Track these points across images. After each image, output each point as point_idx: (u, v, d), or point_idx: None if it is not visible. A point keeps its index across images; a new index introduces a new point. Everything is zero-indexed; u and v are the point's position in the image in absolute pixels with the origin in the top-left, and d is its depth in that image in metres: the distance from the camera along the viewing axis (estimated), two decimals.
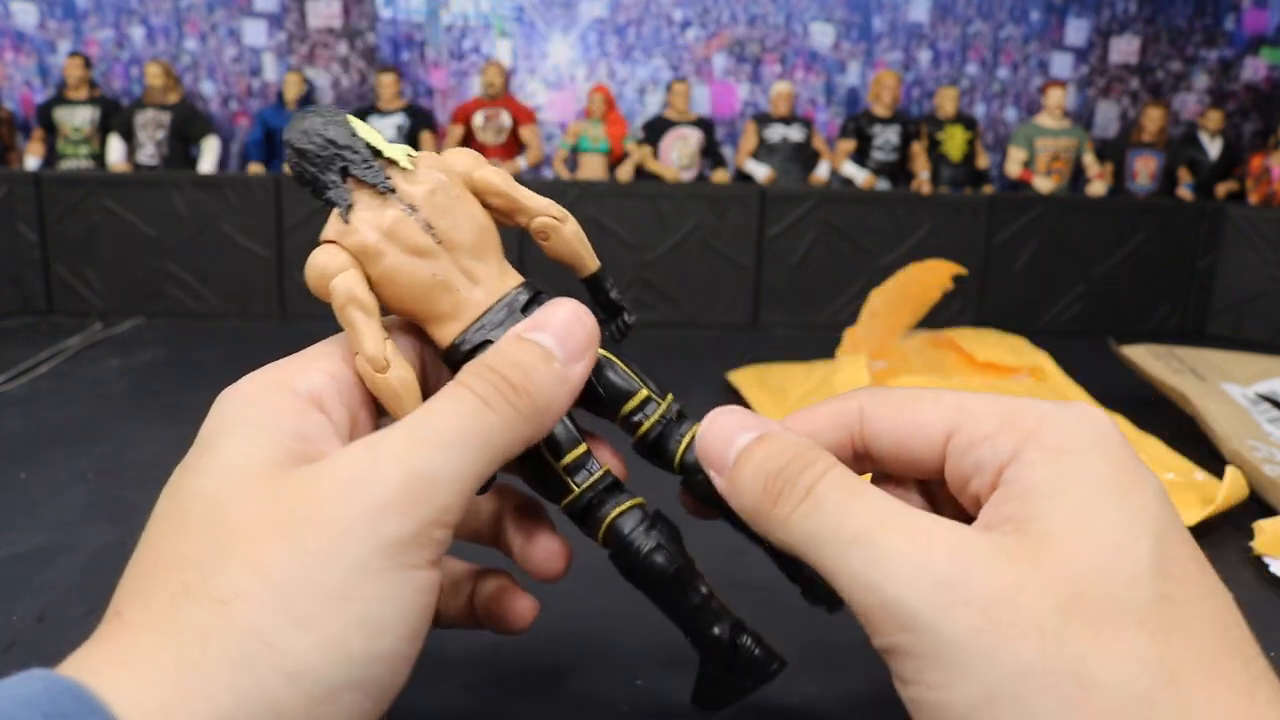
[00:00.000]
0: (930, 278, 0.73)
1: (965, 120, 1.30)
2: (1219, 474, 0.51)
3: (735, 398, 0.70)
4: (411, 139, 1.26)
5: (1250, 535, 0.46)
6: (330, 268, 0.23)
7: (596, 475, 0.24)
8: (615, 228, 1.11)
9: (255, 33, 1.35)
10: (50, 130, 1.25)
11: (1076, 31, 1.40)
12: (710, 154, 1.28)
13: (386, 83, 1.26)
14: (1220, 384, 0.67)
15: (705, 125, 1.29)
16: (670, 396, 0.26)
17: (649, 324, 1.12)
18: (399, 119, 1.27)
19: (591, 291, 0.27)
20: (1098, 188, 1.26)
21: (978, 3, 1.39)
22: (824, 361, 0.73)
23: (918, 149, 1.26)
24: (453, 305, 0.24)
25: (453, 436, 0.21)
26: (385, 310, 0.24)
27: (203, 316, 1.10)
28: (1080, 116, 1.42)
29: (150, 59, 1.29)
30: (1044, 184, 1.25)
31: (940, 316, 0.83)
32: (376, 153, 0.24)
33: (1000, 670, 0.17)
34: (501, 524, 0.27)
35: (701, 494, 0.25)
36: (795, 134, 1.27)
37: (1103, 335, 1.01)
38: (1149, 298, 1.17)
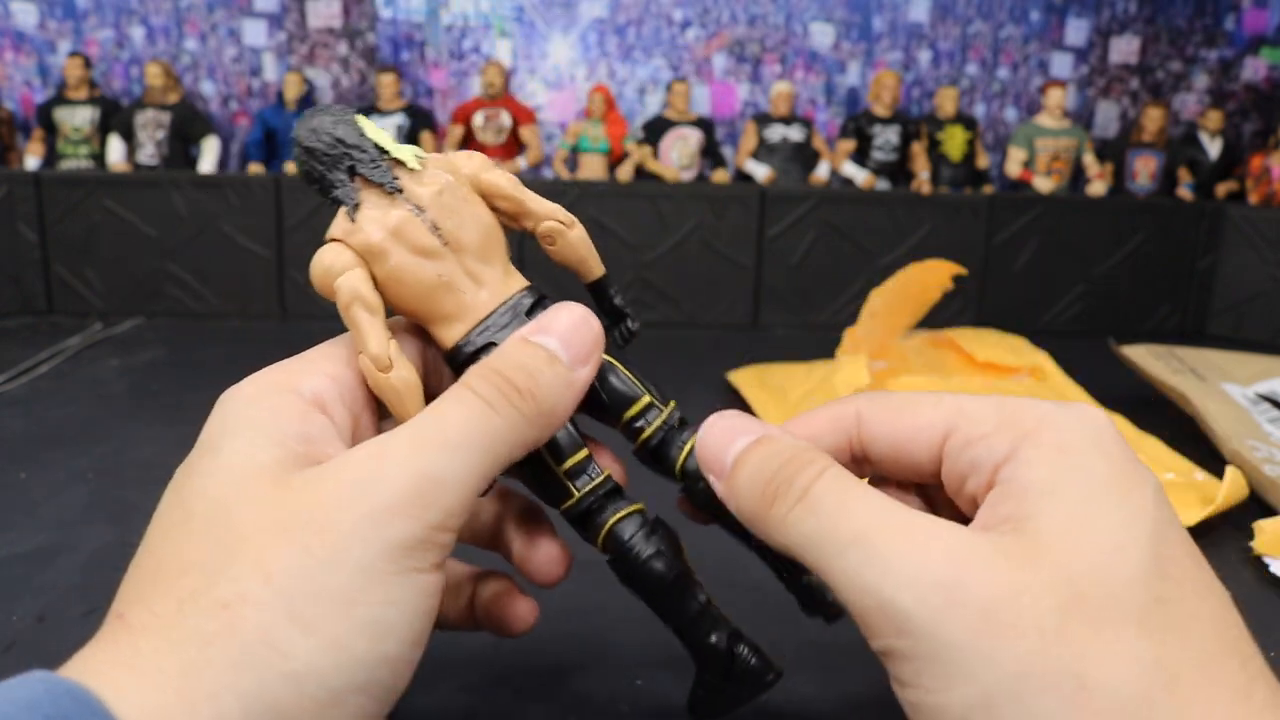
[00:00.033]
0: (930, 278, 0.73)
1: (965, 120, 1.30)
2: (1219, 474, 0.51)
3: (735, 398, 0.70)
4: (411, 139, 1.26)
5: (1250, 535, 0.46)
6: (335, 266, 0.23)
7: (597, 480, 0.24)
8: (615, 228, 1.11)
9: (255, 33, 1.35)
10: (50, 130, 1.25)
11: (1076, 31, 1.40)
12: (710, 154, 1.28)
13: (386, 83, 1.26)
14: (1220, 384, 0.67)
15: (705, 125, 1.29)
16: (673, 404, 0.26)
17: (649, 324, 1.12)
18: (399, 119, 1.27)
19: (595, 297, 0.27)
20: (1098, 188, 1.26)
21: (978, 3, 1.39)
22: (824, 361, 0.73)
23: (918, 149, 1.26)
24: (457, 307, 0.24)
25: (458, 440, 0.20)
26: (390, 311, 0.24)
27: (203, 316, 1.10)
28: (1080, 116, 1.42)
29: (150, 59, 1.29)
30: (1044, 184, 1.25)
31: (940, 316, 0.83)
32: (384, 153, 0.24)
33: (999, 671, 0.17)
34: (502, 528, 0.27)
35: (702, 501, 0.25)
36: (795, 134, 1.27)
37: (1103, 335, 1.01)
38: (1149, 298, 1.17)
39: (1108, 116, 1.43)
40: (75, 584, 0.40)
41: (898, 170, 1.26)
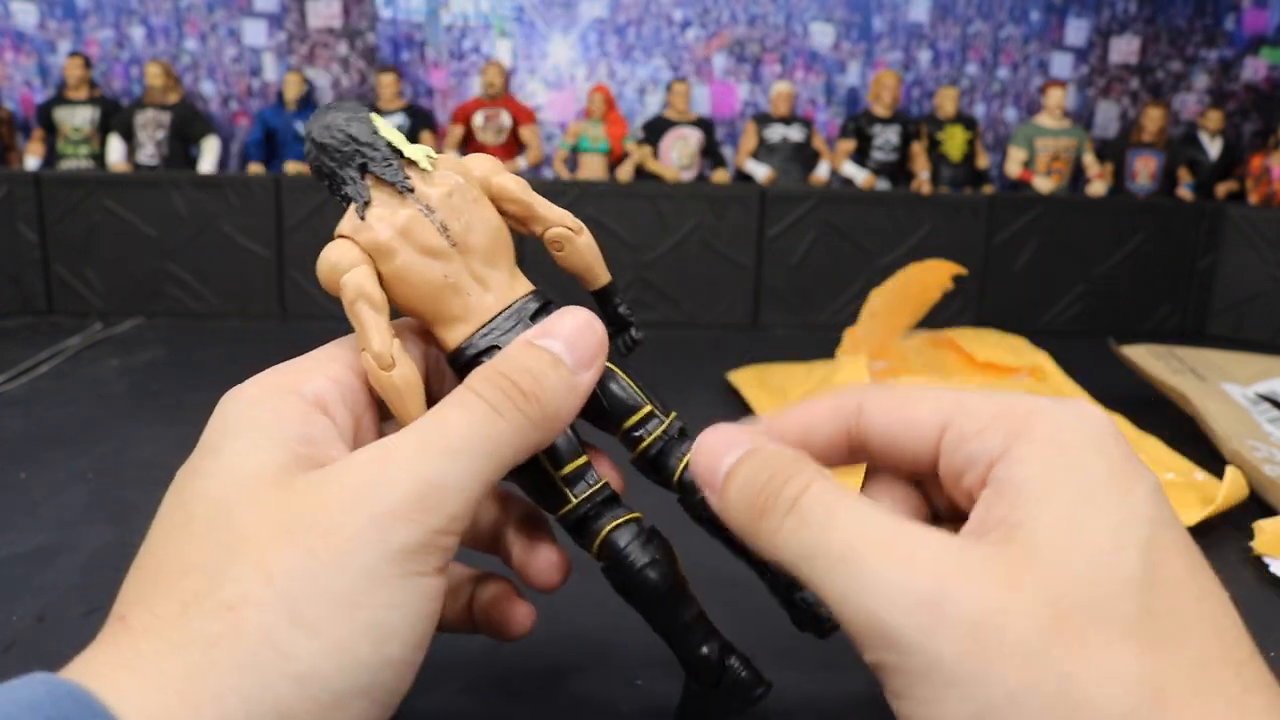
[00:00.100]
0: (930, 278, 0.73)
1: (965, 120, 1.30)
2: (1219, 474, 0.51)
3: (735, 398, 0.70)
4: (411, 139, 1.25)
5: (1250, 535, 0.46)
6: (342, 263, 0.23)
7: (595, 487, 0.24)
8: (615, 228, 1.11)
9: (255, 33, 1.35)
10: (50, 130, 1.25)
11: (1076, 31, 1.40)
12: (710, 154, 1.29)
13: (386, 83, 1.26)
14: (1220, 384, 0.67)
15: (705, 125, 1.29)
16: (673, 415, 0.26)
17: (649, 324, 1.12)
18: (399, 119, 1.27)
19: (600, 304, 0.27)
20: (1098, 188, 1.26)
21: (978, 3, 1.39)
22: (824, 361, 0.73)
23: (918, 149, 1.26)
24: (462, 308, 0.24)
25: (462, 444, 0.20)
26: (396, 312, 0.24)
27: (203, 316, 1.10)
28: (1080, 116, 1.42)
29: (150, 59, 1.29)
30: (1044, 184, 1.25)
31: (940, 316, 0.83)
32: (397, 152, 0.24)
33: (988, 692, 0.17)
34: (502, 532, 0.27)
35: (699, 514, 0.25)
36: (795, 134, 1.27)
37: (1103, 335, 1.01)
38: (1149, 298, 1.17)
39: (1108, 116, 1.43)
40: (75, 584, 0.40)
41: (898, 170, 1.26)
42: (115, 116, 1.24)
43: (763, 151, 1.27)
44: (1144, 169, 1.29)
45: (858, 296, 0.89)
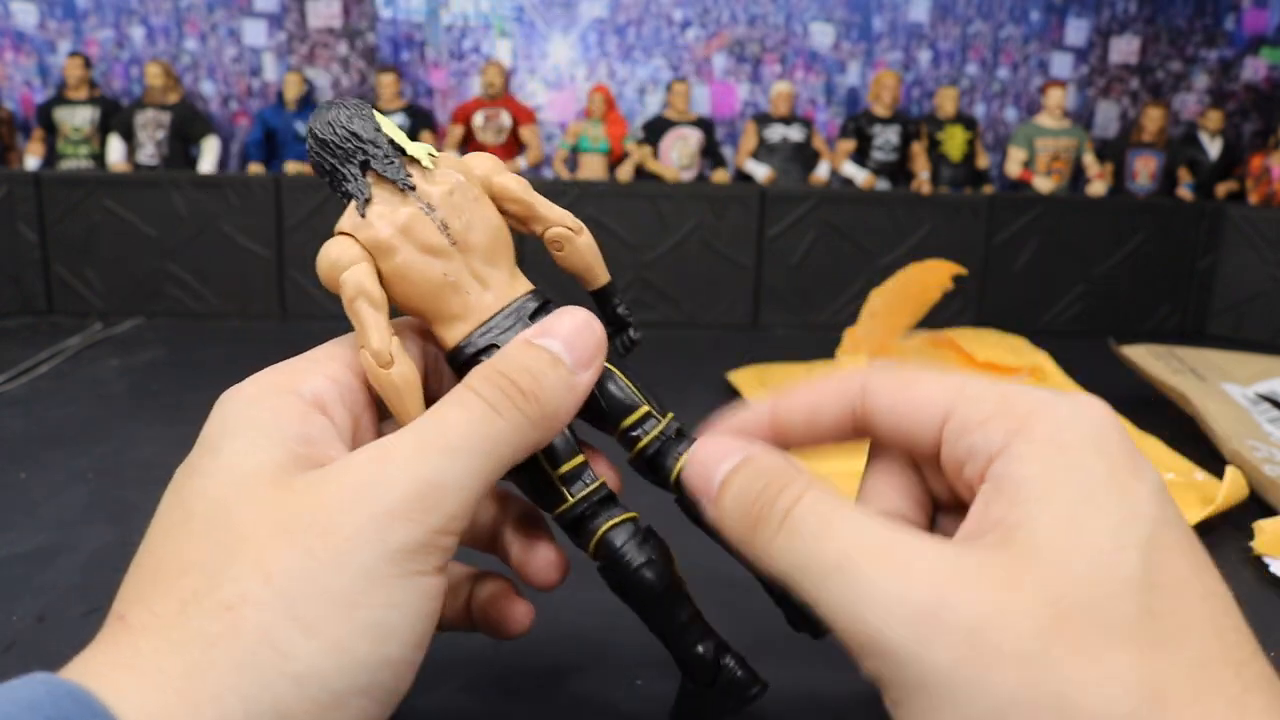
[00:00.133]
0: (930, 278, 0.73)
1: (965, 120, 1.30)
2: (1219, 474, 0.51)
3: (735, 398, 0.70)
4: (411, 139, 1.26)
5: (1250, 535, 0.46)
6: (342, 260, 0.23)
7: (592, 487, 0.24)
8: (615, 228, 1.11)
9: (255, 33, 1.35)
10: (50, 130, 1.25)
11: (1076, 31, 1.40)
12: (710, 154, 1.29)
13: (386, 83, 1.27)
14: (1220, 384, 0.67)
15: (705, 125, 1.29)
16: (670, 415, 0.26)
17: (649, 324, 1.12)
18: (399, 119, 1.27)
19: (599, 304, 0.27)
20: (1098, 188, 1.26)
21: (978, 3, 1.39)
22: (824, 361, 0.73)
23: (918, 149, 1.26)
24: (462, 306, 0.24)
25: (461, 443, 0.20)
26: (395, 311, 0.24)
27: (203, 316, 1.10)
28: (1080, 116, 1.42)
29: (150, 59, 1.29)
30: (1044, 184, 1.25)
31: (940, 316, 0.83)
32: (399, 150, 0.24)
33: (985, 700, 0.17)
34: (501, 531, 0.27)
35: (695, 514, 0.25)
36: (795, 134, 1.27)
37: (1103, 335, 1.01)
38: (1149, 298, 1.17)
39: (1108, 116, 1.43)
40: (75, 584, 0.40)
41: (898, 170, 1.26)
42: (115, 116, 1.24)
43: (763, 151, 1.27)
44: (1144, 169, 1.29)
45: (858, 296, 0.89)
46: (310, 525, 0.19)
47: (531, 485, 0.25)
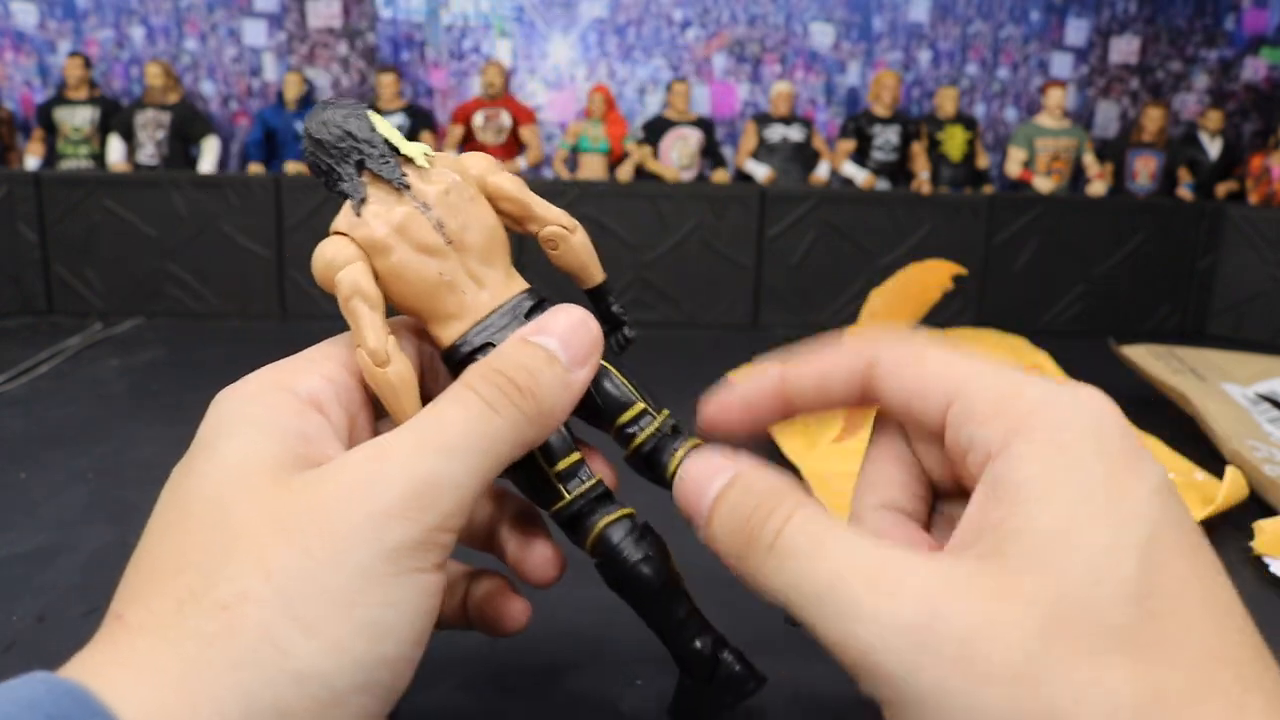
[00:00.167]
0: (930, 278, 0.73)
1: (965, 120, 1.30)
2: (1219, 474, 0.51)
3: None
4: (411, 139, 1.26)
5: (1250, 535, 0.46)
6: (337, 259, 0.23)
7: (589, 484, 0.24)
8: (615, 228, 1.11)
9: (255, 33, 1.35)
10: (50, 130, 1.25)
11: (1076, 31, 1.40)
12: (710, 154, 1.29)
13: (386, 83, 1.27)
14: (1220, 384, 0.67)
15: (705, 125, 1.29)
16: (666, 412, 0.26)
17: (649, 324, 1.12)
18: (399, 119, 1.27)
19: (594, 303, 0.27)
20: (1098, 188, 1.26)
21: (978, 3, 1.39)
22: None
23: (918, 149, 1.26)
24: (457, 305, 0.24)
25: (458, 441, 0.20)
26: (392, 310, 0.24)
27: (203, 316, 1.10)
28: (1080, 116, 1.42)
29: (150, 59, 1.29)
30: (1044, 184, 1.25)
31: (940, 316, 0.83)
32: (394, 149, 0.24)
33: (978, 716, 0.16)
34: (497, 529, 0.27)
35: None
36: (795, 134, 1.27)
37: (1103, 335, 1.01)
38: (1149, 298, 1.17)
39: (1108, 116, 1.43)
40: (75, 584, 0.40)
41: (898, 170, 1.26)
42: (115, 116, 1.24)
43: (763, 151, 1.27)
44: (1144, 169, 1.29)
45: (858, 296, 0.89)
46: (308, 524, 0.19)
47: (528, 483, 0.25)
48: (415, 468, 0.20)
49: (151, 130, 1.23)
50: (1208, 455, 0.58)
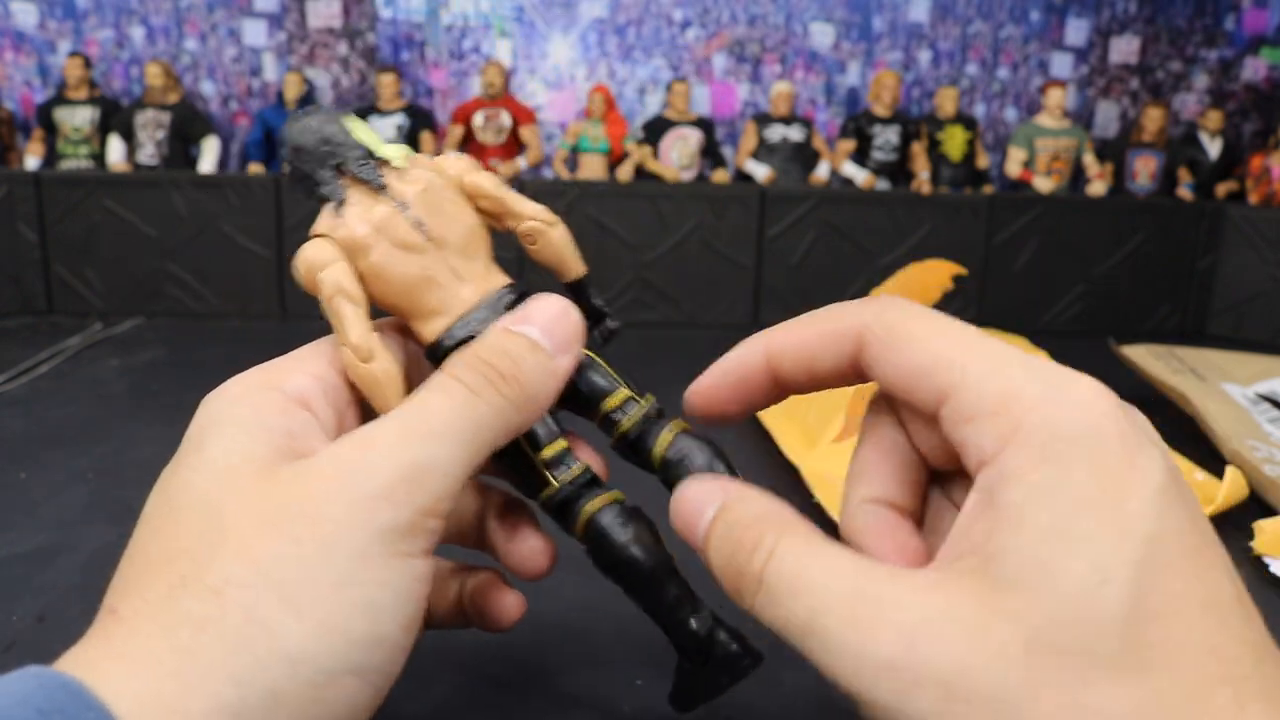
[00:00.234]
0: (930, 278, 0.73)
1: (965, 120, 1.30)
2: (1219, 474, 0.51)
3: None
4: (411, 139, 1.27)
5: (1250, 535, 0.46)
6: (319, 260, 0.23)
7: (576, 470, 0.25)
8: (615, 228, 1.11)
9: (255, 33, 1.35)
10: (50, 130, 1.25)
11: (1076, 31, 1.40)
12: (710, 154, 1.29)
13: (386, 83, 1.27)
14: (1220, 384, 0.67)
15: (705, 125, 1.29)
16: (651, 397, 0.26)
17: (649, 324, 1.12)
18: (399, 119, 1.27)
19: (575, 297, 0.27)
20: (1098, 188, 1.26)
21: (978, 3, 1.39)
22: None
23: (918, 149, 1.26)
24: (439, 301, 0.24)
25: (443, 428, 0.21)
26: (376, 312, 0.24)
27: (203, 316, 1.10)
28: (1080, 116, 1.42)
29: (150, 59, 1.29)
30: (1044, 184, 1.25)
31: None
32: (371, 152, 0.24)
33: None
34: (485, 524, 0.27)
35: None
36: (795, 134, 1.27)
37: (1103, 335, 1.01)
38: (1149, 298, 1.17)
39: (1108, 116, 1.43)
40: (75, 584, 0.40)
41: (898, 170, 1.26)
42: (115, 116, 1.24)
43: (763, 151, 1.27)
44: (1144, 169, 1.29)
45: (858, 296, 0.89)
46: (297, 515, 0.19)
47: (515, 471, 0.25)
48: (401, 455, 0.20)
49: (151, 130, 1.23)
50: (1208, 455, 0.58)
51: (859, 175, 1.24)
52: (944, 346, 0.20)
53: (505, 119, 1.27)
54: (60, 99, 1.24)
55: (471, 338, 0.24)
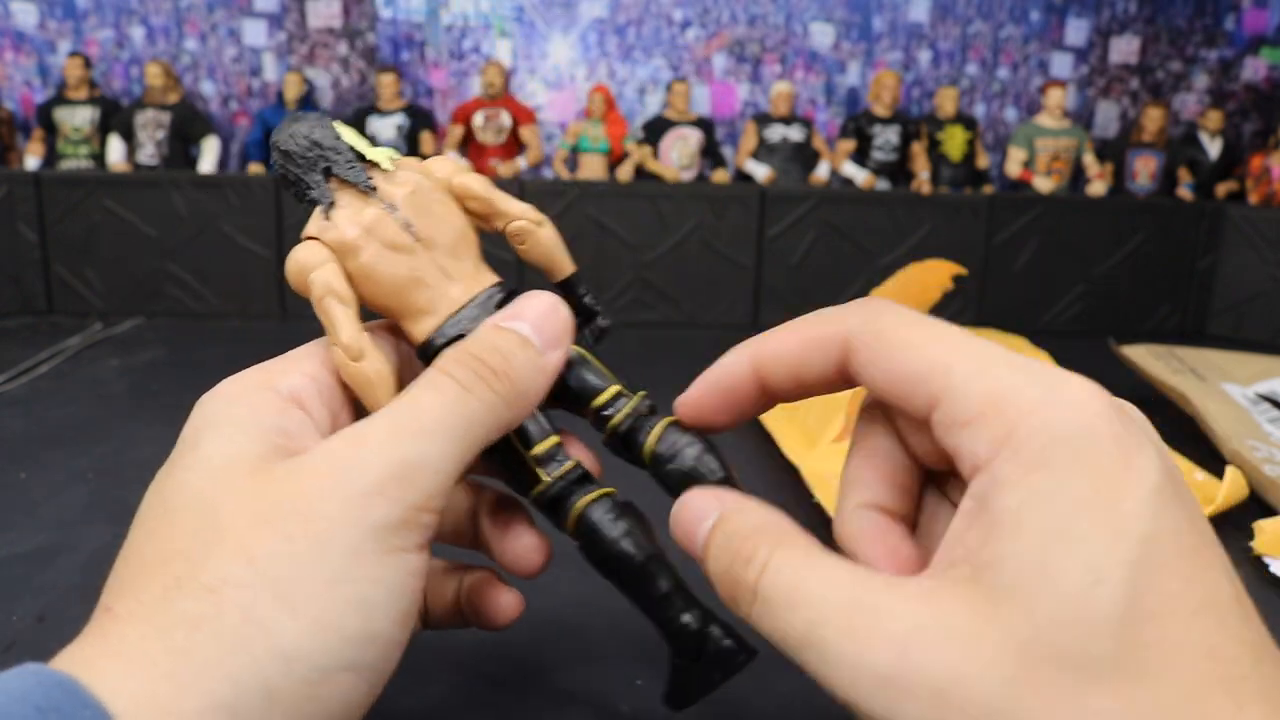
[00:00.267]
0: (930, 278, 0.73)
1: (965, 120, 1.30)
2: (1219, 474, 0.51)
3: None
4: (411, 139, 1.27)
5: (1250, 535, 0.46)
6: (309, 262, 0.24)
7: (567, 466, 0.25)
8: (615, 228, 1.11)
9: (255, 33, 1.35)
10: (50, 130, 1.25)
11: (1076, 31, 1.40)
12: (710, 154, 1.29)
13: (386, 83, 1.27)
14: (1220, 384, 0.67)
15: (705, 125, 1.29)
16: (641, 393, 0.26)
17: (649, 324, 1.12)
18: (399, 119, 1.27)
19: (565, 295, 0.27)
20: (1098, 188, 1.26)
21: (978, 3, 1.39)
22: None
23: (918, 149, 1.26)
24: (429, 301, 0.24)
25: (435, 424, 0.21)
26: (368, 314, 0.25)
27: (203, 316, 1.10)
28: (1080, 116, 1.42)
29: (150, 59, 1.29)
30: (1044, 184, 1.25)
31: (940, 316, 0.83)
32: (359, 155, 0.24)
33: None
34: (479, 522, 0.27)
35: (673, 486, 0.25)
36: (795, 134, 1.27)
37: (1103, 335, 1.01)
38: (1149, 298, 1.17)
39: (1108, 116, 1.43)
40: (75, 584, 0.40)
41: (898, 170, 1.26)
42: (115, 116, 1.24)
43: (763, 151, 1.27)
44: (1144, 169, 1.29)
45: (858, 296, 0.89)
46: (290, 512, 0.19)
47: (507, 469, 0.25)
48: (392, 451, 0.20)
49: (151, 130, 1.23)
50: (1208, 455, 0.58)
51: (859, 175, 1.24)
52: (930, 351, 0.20)
53: (505, 119, 1.27)
54: (60, 99, 1.24)
55: (462, 336, 0.24)
